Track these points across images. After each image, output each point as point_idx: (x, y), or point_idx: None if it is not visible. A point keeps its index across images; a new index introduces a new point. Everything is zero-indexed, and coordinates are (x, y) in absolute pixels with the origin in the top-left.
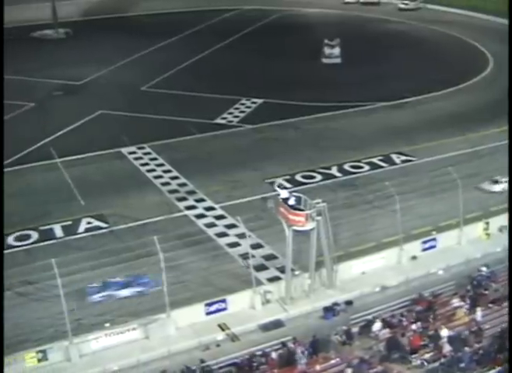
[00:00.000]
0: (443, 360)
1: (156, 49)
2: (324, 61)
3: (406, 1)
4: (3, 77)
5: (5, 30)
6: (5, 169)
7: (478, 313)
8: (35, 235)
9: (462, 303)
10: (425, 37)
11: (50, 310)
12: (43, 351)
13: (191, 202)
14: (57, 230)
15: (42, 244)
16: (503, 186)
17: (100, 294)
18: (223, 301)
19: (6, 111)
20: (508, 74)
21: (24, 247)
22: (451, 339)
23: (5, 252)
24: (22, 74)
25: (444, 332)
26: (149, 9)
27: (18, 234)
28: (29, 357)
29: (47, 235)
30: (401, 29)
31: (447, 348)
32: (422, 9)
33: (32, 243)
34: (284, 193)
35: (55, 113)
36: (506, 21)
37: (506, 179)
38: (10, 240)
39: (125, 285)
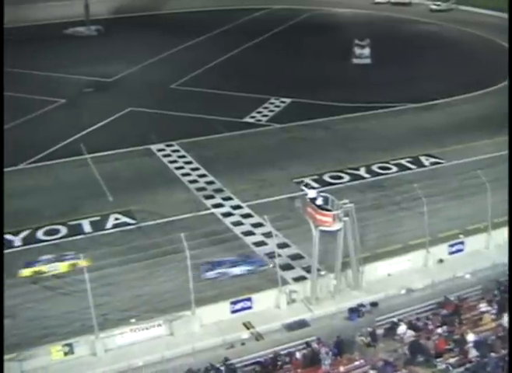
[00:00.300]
0: (468, 365)
1: (185, 47)
2: (354, 61)
3: (438, 2)
4: (3, 78)
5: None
6: (35, 164)
7: (506, 318)
8: (64, 230)
9: (489, 308)
10: (456, 39)
11: (77, 304)
12: (70, 345)
13: (218, 200)
14: (86, 225)
15: (70, 239)
16: None
17: (214, 272)
18: (249, 299)
19: (38, 107)
20: (508, 74)
21: (53, 242)
22: (477, 344)
23: (34, 245)
24: (53, 70)
25: (470, 337)
26: (179, 8)
27: (47, 228)
28: (56, 351)
29: (76, 230)
30: (432, 31)
31: (472, 353)
32: (455, 10)
33: (60, 238)
34: (311, 193)
35: (86, 110)
36: None
37: None
38: (39, 234)
39: (236, 264)
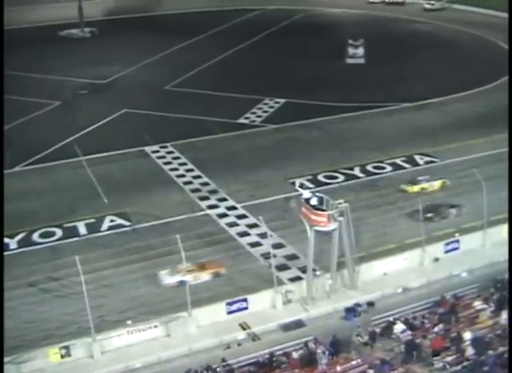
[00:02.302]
0: (466, 363)
1: (179, 48)
2: (348, 61)
3: (432, 2)
4: (3, 79)
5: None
6: (31, 167)
7: (504, 316)
8: (59, 232)
9: (485, 306)
10: (450, 38)
11: (74, 306)
12: (67, 347)
13: (213, 201)
14: (81, 227)
15: (66, 241)
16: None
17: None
18: (244, 300)
19: (32, 109)
20: (508, 74)
21: (49, 244)
22: (475, 342)
23: (30, 248)
24: (48, 72)
25: (467, 335)
26: (172, 9)
27: (43, 231)
28: (53, 353)
29: (71, 232)
30: (426, 30)
31: (470, 351)
32: (448, 9)
33: (56, 240)
34: (306, 194)
35: (80, 112)
36: None
37: None
38: (35, 237)
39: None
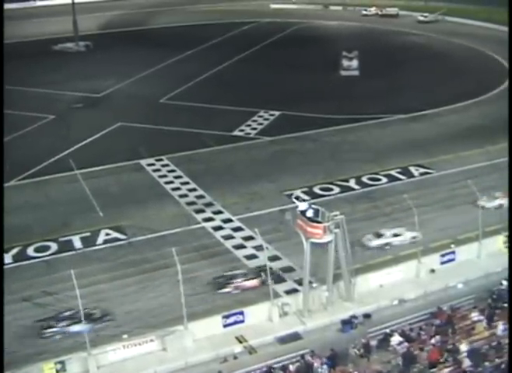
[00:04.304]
0: None
1: (174, 62)
2: (343, 73)
3: (425, 14)
4: (3, 82)
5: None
6: (25, 181)
7: (500, 327)
8: (54, 247)
9: (482, 317)
10: (444, 49)
11: None
12: (62, 362)
13: (208, 214)
14: (76, 241)
15: (61, 255)
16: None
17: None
18: (241, 313)
19: (27, 123)
20: (508, 79)
21: (44, 258)
22: (471, 354)
23: (25, 263)
24: (42, 86)
25: (464, 347)
26: (167, 22)
27: (37, 245)
28: (48, 368)
29: (66, 246)
30: (420, 42)
31: (466, 363)
32: (441, 21)
33: (51, 254)
34: (302, 206)
35: (75, 126)
36: None
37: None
38: (30, 251)
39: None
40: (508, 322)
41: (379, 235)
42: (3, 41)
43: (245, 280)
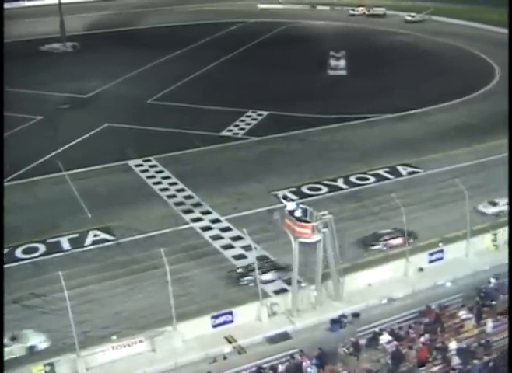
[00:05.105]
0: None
1: (162, 62)
2: (330, 72)
3: (412, 13)
4: (3, 82)
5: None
6: (13, 182)
7: (489, 325)
8: (42, 248)
9: (470, 315)
10: (431, 49)
11: (58, 323)
12: (51, 364)
13: (197, 214)
14: (65, 243)
15: (49, 257)
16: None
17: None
18: (230, 313)
19: (14, 124)
20: (508, 80)
21: (32, 260)
22: (460, 352)
23: (13, 264)
24: (30, 87)
25: (453, 345)
26: (155, 23)
27: (25, 246)
28: (37, 370)
29: (55, 247)
30: (407, 41)
31: (455, 361)
32: (428, 21)
33: (39, 256)
34: (290, 205)
35: (62, 127)
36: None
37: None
38: (18, 253)
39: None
40: (508, 321)
41: (494, 204)
42: (3, 41)
43: (392, 239)
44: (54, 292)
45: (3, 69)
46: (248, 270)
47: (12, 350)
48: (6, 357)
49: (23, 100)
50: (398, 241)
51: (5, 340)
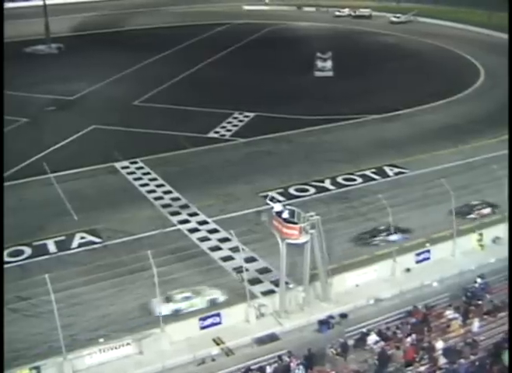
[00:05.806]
0: (438, 372)
1: (148, 63)
2: (317, 74)
3: (398, 15)
4: (3, 82)
5: None
6: None
7: (476, 324)
8: (28, 251)
9: (457, 315)
10: (416, 50)
11: (44, 326)
12: (37, 368)
13: (184, 216)
14: (51, 245)
15: (35, 259)
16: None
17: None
18: (218, 315)
19: None
20: (508, 80)
21: (17, 263)
22: (446, 351)
23: None
24: (15, 89)
25: (439, 344)
26: (141, 24)
27: (11, 249)
28: None
29: (41, 250)
30: (393, 42)
31: (442, 360)
32: (414, 22)
33: (25, 259)
34: (277, 207)
35: (48, 129)
36: (494, 33)
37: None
38: (3, 256)
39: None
40: (508, 320)
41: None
42: (3, 41)
43: (483, 209)
44: (41, 295)
45: (3, 69)
46: (373, 233)
47: (192, 303)
48: (188, 310)
49: (8, 102)
50: (487, 210)
51: (181, 295)
